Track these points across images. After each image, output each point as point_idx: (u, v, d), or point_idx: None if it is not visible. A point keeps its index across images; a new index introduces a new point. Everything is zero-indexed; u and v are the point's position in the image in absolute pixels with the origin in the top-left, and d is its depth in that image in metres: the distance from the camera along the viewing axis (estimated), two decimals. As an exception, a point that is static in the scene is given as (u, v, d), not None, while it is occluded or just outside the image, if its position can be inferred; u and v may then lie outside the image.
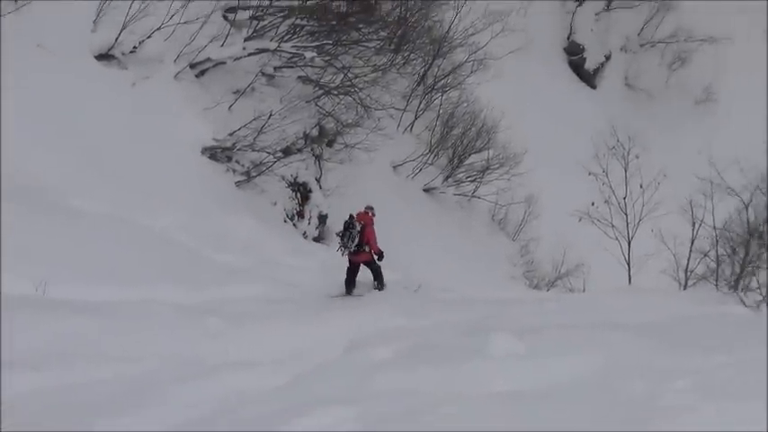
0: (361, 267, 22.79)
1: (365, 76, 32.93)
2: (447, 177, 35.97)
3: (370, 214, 23.16)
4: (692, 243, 30.68)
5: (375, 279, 22.82)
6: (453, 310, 17.91)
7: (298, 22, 29.60)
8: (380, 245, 23.11)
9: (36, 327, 11.78)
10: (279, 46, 28.80)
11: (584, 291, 31.02)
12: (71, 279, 15.16)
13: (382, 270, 23.00)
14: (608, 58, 50.76)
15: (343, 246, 22.28)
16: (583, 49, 50.65)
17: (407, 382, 9.84)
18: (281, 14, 29.33)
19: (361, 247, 22.37)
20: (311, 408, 8.68)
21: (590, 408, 8.70)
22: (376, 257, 22.75)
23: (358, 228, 22.40)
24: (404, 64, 36.63)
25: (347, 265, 22.52)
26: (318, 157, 29.71)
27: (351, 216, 22.68)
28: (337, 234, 22.87)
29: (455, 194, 35.91)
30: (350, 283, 22.35)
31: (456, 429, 8.53)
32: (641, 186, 32.13)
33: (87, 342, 11.28)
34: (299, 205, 28.04)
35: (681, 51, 51.03)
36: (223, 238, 22.22)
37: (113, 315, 13.06)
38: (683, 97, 49.69)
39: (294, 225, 27.53)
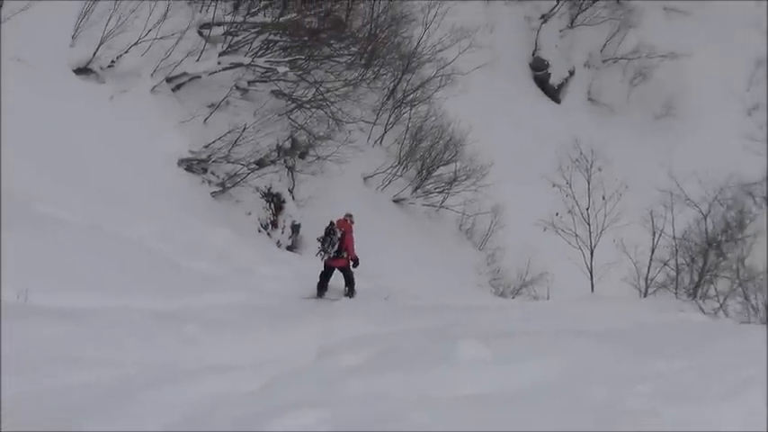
0: (334, 273, 23.08)
1: (336, 90, 33.19)
2: (416, 189, 36.14)
3: (349, 222, 23.73)
4: (653, 252, 31.10)
5: (347, 285, 23.40)
6: (422, 316, 18.06)
7: (271, 37, 29.84)
8: (318, 246, 23.47)
9: (18, 332, 11.75)
10: (252, 61, 28.95)
11: (548, 299, 31.42)
12: (52, 287, 15.12)
13: (350, 273, 23.22)
14: (572, 73, 51.00)
15: (323, 251, 22.91)
16: (547, 65, 50.90)
17: (377, 387, 9.87)
18: (255, 30, 29.55)
19: (339, 253, 22.97)
20: (284, 411, 8.74)
21: (554, 411, 8.75)
22: (352, 264, 23.19)
23: (338, 234, 22.96)
24: (374, 79, 36.81)
25: (322, 269, 22.89)
26: (291, 169, 29.88)
27: (331, 223, 23.34)
28: (318, 239, 23.38)
29: (424, 205, 36.12)
30: (322, 286, 22.94)
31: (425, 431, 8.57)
32: (603, 198, 32.36)
33: (67, 347, 11.30)
34: (273, 215, 28.28)
35: (642, 67, 51.45)
36: (199, 247, 22.34)
37: (93, 322, 13.12)
38: (644, 112, 49.97)
39: (268, 234, 27.79)
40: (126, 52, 25.77)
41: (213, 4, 29.04)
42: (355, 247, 23.50)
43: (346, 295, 23.21)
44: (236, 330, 13.62)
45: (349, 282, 23.34)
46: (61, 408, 9.05)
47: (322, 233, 23.51)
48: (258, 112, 28.75)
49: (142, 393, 9.38)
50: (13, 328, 12.26)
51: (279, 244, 27.70)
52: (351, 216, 24.26)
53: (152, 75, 26.37)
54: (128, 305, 15.16)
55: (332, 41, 33.34)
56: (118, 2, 26.11)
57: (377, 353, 11.71)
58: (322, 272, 23.09)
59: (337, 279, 23.48)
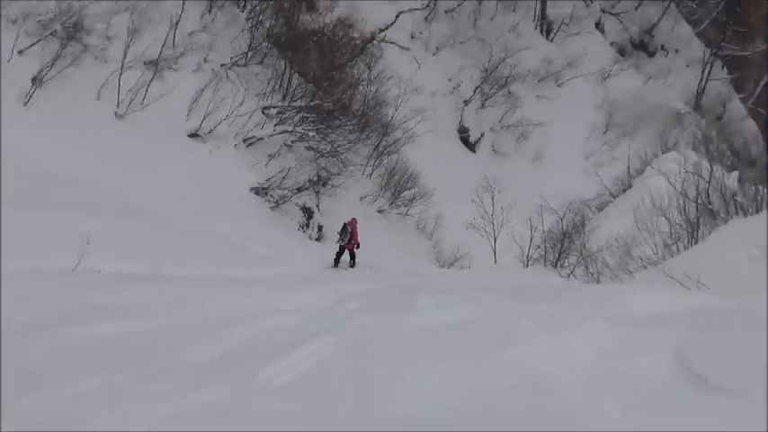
0: (345, 253, 24.52)
1: (344, 145, 33.37)
2: (390, 203, 36.61)
3: (354, 222, 24.99)
4: (531, 240, 31.66)
5: (351, 260, 24.68)
6: (394, 280, 18.51)
7: (305, 115, 30.10)
8: (337, 237, 25.15)
9: (153, 289, 11.66)
10: (294, 129, 29.31)
11: (469, 268, 31.90)
12: (172, 263, 15.10)
13: (356, 256, 24.48)
14: (482, 135, 50.70)
15: (341, 239, 24.46)
16: (468, 130, 50.53)
17: (369, 322, 10.06)
18: (295, 110, 29.72)
19: (349, 241, 24.40)
20: (311, 337, 8.73)
21: (473, 335, 8.73)
22: (356, 246, 24.58)
23: (349, 230, 24.33)
24: (366, 138, 37.17)
25: (337, 250, 24.38)
26: (317, 193, 30.39)
27: (344, 224, 24.62)
28: (338, 233, 24.92)
29: (396, 213, 36.45)
30: (337, 260, 24.34)
31: (398, 347, 8.56)
32: (501, 209, 33.06)
33: (179, 299, 11.21)
34: (306, 220, 28.83)
35: (523, 131, 51.10)
36: (262, 239, 22.62)
37: (197, 284, 13.09)
38: (525, 158, 49.99)
39: (303, 232, 28.19)
40: (219, 124, 25.80)
41: (270, 94, 29.22)
42: (359, 237, 24.54)
43: (351, 267, 24.42)
44: (283, 289, 13.73)
45: (352, 257, 24.75)
46: (167, 336, 8.91)
47: (339, 229, 24.77)
48: (297, 159, 29.29)
49: (222, 328, 9.33)
50: (151, 287, 12.19)
51: (310, 237, 28.37)
52: (355, 219, 25.52)
53: (234, 137, 26.63)
54: (218, 274, 15.25)
55: (340, 117, 33.61)
56: (215, 92, 26.05)
57: (368, 301, 12.04)
58: (337, 251, 24.55)
59: (346, 256, 24.41)
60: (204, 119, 25.74)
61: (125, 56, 24.02)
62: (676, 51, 62.95)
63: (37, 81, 21.73)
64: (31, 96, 21.51)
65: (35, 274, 11.67)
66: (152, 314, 9.79)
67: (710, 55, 62.68)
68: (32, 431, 4.65)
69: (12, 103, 20.94)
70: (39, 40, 22.40)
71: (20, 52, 21.73)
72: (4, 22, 21.79)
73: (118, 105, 23.59)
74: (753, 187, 24.73)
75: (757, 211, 22.00)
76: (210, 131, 25.94)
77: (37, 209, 15.37)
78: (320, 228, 29.91)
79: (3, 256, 12.55)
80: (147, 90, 24.33)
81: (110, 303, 10.09)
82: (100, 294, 10.72)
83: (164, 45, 25.56)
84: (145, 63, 24.85)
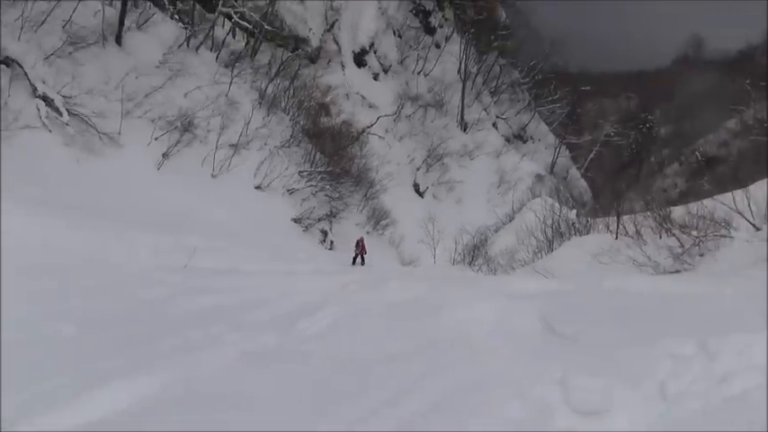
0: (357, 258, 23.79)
1: (346, 194, 32.93)
2: (374, 228, 35.70)
3: (364, 238, 24.40)
4: (455, 250, 30.86)
5: (362, 262, 23.58)
6: (378, 272, 17.96)
7: (323, 176, 29.90)
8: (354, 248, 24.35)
9: (231, 278, 11.54)
10: (317, 184, 29.36)
11: (420, 266, 31.20)
12: (245, 262, 14.86)
13: (366, 259, 23.78)
14: (427, 188, 50.05)
15: (356, 249, 23.52)
16: (419, 185, 49.93)
17: (361, 297, 9.89)
18: (318, 173, 29.52)
19: (361, 250, 23.44)
20: (327, 306, 8.58)
21: (422, 304, 8.69)
22: (365, 253, 23.59)
23: (360, 244, 23.58)
24: (359, 189, 36.77)
25: (354, 255, 23.60)
26: (330, 221, 29.75)
27: (357, 240, 24.13)
28: (354, 246, 24.09)
29: (377, 234, 35.49)
30: (354, 262, 23.28)
31: (377, 312, 8.49)
32: (438, 231, 32.56)
33: (245, 283, 11.06)
34: (324, 238, 28.12)
35: (451, 185, 50.57)
36: (298, 249, 22.20)
37: (258, 274, 12.93)
38: (452, 201, 49.54)
39: (322, 245, 27.54)
40: (273, 181, 25.61)
41: (303, 164, 29.17)
42: (367, 248, 24.01)
43: (362, 265, 23.41)
44: (310, 279, 13.41)
45: (363, 260, 23.57)
46: (239, 305, 8.86)
47: (354, 243, 24.23)
48: (318, 201, 28.78)
49: (273, 300, 9.20)
50: (231, 277, 12.11)
51: (326, 248, 27.60)
52: (363, 237, 24.99)
53: (282, 189, 26.20)
54: (272, 269, 14.98)
55: (344, 177, 33.36)
56: (271, 163, 25.88)
57: (361, 284, 11.70)
58: (354, 257, 23.54)
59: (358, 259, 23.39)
60: (264, 178, 25.50)
61: (218, 140, 24.01)
62: (539, 140, 63.40)
63: (166, 155, 21.66)
64: (162, 165, 21.43)
65: (164, 269, 11.66)
66: (231, 292, 9.70)
67: (559, 142, 63.42)
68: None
69: (151, 169, 20.92)
70: (167, 131, 22.34)
71: (156, 138, 21.67)
72: (148, 121, 21.77)
73: (213, 170, 23.50)
74: (584, 219, 24.85)
75: (588, 233, 22.09)
76: (268, 185, 25.70)
77: (166, 231, 15.28)
78: (332, 242, 29.11)
79: (142, 258, 12.50)
80: (230, 161, 24.22)
81: (206, 286, 10.02)
82: (200, 281, 10.65)
83: (240, 134, 25.48)
84: (230, 145, 24.78)
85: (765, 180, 16.16)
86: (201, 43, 29.12)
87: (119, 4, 23.84)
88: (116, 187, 18.17)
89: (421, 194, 49.25)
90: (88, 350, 5.84)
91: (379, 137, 47.46)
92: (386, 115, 49.61)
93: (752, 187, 15.79)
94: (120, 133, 20.17)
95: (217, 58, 29.93)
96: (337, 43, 50.78)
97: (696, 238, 14.59)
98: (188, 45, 27.50)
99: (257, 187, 25.26)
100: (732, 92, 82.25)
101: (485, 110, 59.34)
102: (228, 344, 6.45)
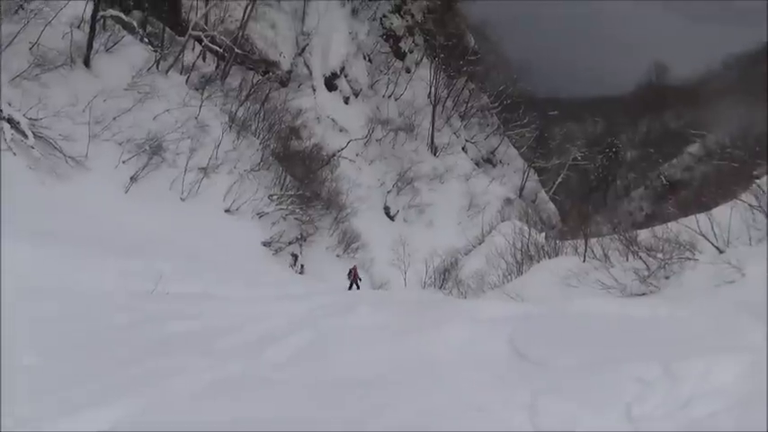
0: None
1: (316, 217, 32.82)
2: (344, 251, 35.68)
3: (356, 267, 25.06)
4: (426, 273, 31.00)
5: (357, 287, 24.51)
6: (346, 296, 17.72)
7: (294, 199, 29.68)
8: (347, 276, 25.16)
9: (200, 302, 11.34)
10: (287, 207, 29.02)
11: (390, 289, 31.28)
12: (215, 286, 14.56)
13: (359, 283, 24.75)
14: (398, 211, 50.03)
15: (348, 276, 24.37)
16: (389, 208, 50.02)
17: (330, 322, 9.74)
18: (288, 197, 29.39)
19: (355, 277, 24.24)
20: (292, 333, 8.48)
21: (392, 329, 8.64)
22: (359, 279, 24.66)
23: (352, 271, 24.49)
24: (329, 213, 36.68)
25: (349, 281, 24.36)
26: (300, 245, 29.61)
27: (350, 269, 25.08)
28: (347, 274, 24.91)
29: (349, 257, 35.44)
30: (350, 288, 23.89)
31: (347, 337, 8.41)
32: (409, 254, 32.61)
33: (215, 308, 10.87)
34: (294, 262, 27.95)
35: (422, 208, 50.69)
36: (268, 272, 21.97)
37: (228, 299, 12.69)
38: (423, 224, 49.86)
39: (293, 268, 27.35)
40: (242, 204, 25.48)
41: (273, 187, 29.02)
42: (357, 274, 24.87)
43: (357, 289, 24.49)
44: (280, 304, 13.22)
45: (357, 286, 24.38)
46: (207, 332, 8.74)
47: (347, 272, 25.08)
48: (289, 225, 28.58)
49: (243, 326, 9.06)
50: (200, 301, 11.92)
51: (296, 272, 27.45)
52: (356, 266, 25.72)
53: (252, 212, 26.06)
54: (243, 293, 14.71)
55: (314, 201, 33.30)
56: (240, 186, 25.74)
57: (331, 309, 11.53)
58: (349, 284, 24.12)
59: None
60: (234, 201, 25.35)
61: (187, 163, 23.85)
62: (508, 164, 64.07)
63: (134, 179, 21.45)
64: (129, 188, 21.20)
65: (131, 294, 11.44)
66: (199, 318, 9.57)
67: (528, 166, 64.18)
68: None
69: (119, 192, 20.66)
70: (135, 154, 22.15)
71: (124, 162, 21.46)
72: (116, 144, 21.55)
73: (182, 193, 23.31)
74: (553, 242, 25.11)
75: (556, 256, 22.30)
76: (238, 209, 25.55)
77: (133, 255, 15.05)
78: (302, 266, 29.06)
79: (109, 283, 12.26)
80: (200, 184, 24.08)
81: (174, 311, 9.85)
82: (168, 306, 10.47)
83: (210, 158, 25.37)
84: (199, 168, 24.62)
85: (728, 204, 16.48)
86: (171, 66, 29.05)
87: (88, 27, 23.74)
88: (82, 211, 17.91)
89: (391, 218, 49.31)
90: (51, 380, 5.69)
91: (350, 160, 47.59)
92: (356, 139, 49.90)
93: (715, 211, 16.14)
94: (86, 156, 19.96)
95: (187, 80, 29.87)
96: (308, 67, 51.06)
97: (662, 260, 14.85)
98: (158, 68, 27.42)
99: (227, 211, 25.10)
100: (693, 117, 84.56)
101: (455, 134, 60.04)
102: (196, 372, 6.35)
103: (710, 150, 71.65)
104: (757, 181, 16.10)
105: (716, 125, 74.24)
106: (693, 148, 79.86)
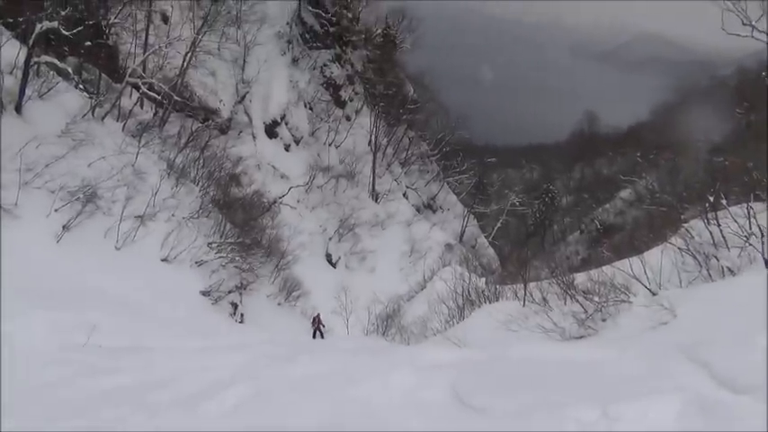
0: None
1: (256, 265, 32.34)
2: (285, 299, 34.99)
3: (319, 315, 26.58)
4: (368, 320, 30.81)
5: (321, 334, 25.71)
6: (288, 346, 17.46)
7: (233, 247, 29.11)
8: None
9: (134, 356, 11.02)
10: (226, 255, 28.12)
11: (332, 337, 30.96)
12: (150, 338, 14.19)
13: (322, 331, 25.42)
14: (340, 258, 49.98)
15: (312, 324, 25.97)
16: (331, 255, 49.94)
17: (270, 372, 9.52)
18: (228, 245, 28.77)
19: (318, 325, 25.61)
20: (229, 385, 8.26)
21: (332, 378, 8.54)
22: (323, 326, 25.75)
23: (316, 319, 26.09)
24: (270, 261, 36.22)
25: (312, 330, 25.72)
26: (240, 293, 29.01)
27: (313, 317, 26.80)
28: (311, 322, 26.39)
29: (288, 305, 34.91)
30: (314, 336, 25.08)
31: (287, 386, 8.26)
32: (351, 301, 32.46)
33: (148, 362, 10.53)
34: (234, 311, 27.31)
35: (364, 255, 50.95)
36: (207, 322, 21.48)
37: (163, 351, 12.31)
38: (365, 270, 49.85)
39: (233, 317, 26.73)
40: (180, 253, 24.88)
41: (213, 235, 28.33)
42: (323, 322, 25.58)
43: (322, 337, 25.56)
44: (218, 354, 12.87)
45: (321, 334, 25.36)
46: (140, 386, 8.50)
47: (311, 320, 26.88)
48: (228, 273, 27.87)
49: (177, 379, 8.80)
50: (133, 355, 11.56)
51: (236, 321, 26.76)
52: (319, 314, 27.26)
53: (190, 260, 25.44)
54: (179, 345, 14.32)
55: (255, 248, 32.82)
56: (179, 234, 25.22)
57: (271, 359, 11.18)
58: (313, 332, 25.42)
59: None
60: (171, 249, 24.77)
61: (123, 211, 23.31)
62: (448, 209, 65.01)
63: (66, 227, 20.85)
64: (61, 237, 20.59)
65: (62, 347, 11.04)
66: (134, 371, 9.28)
67: (467, 211, 65.31)
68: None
69: (50, 241, 20.06)
70: (68, 202, 21.58)
71: (56, 210, 20.89)
72: (48, 192, 21.01)
73: (117, 242, 22.72)
74: (493, 286, 25.45)
75: (497, 300, 22.57)
76: (175, 257, 24.97)
77: (65, 307, 14.56)
78: (242, 315, 28.23)
79: (38, 336, 11.80)
80: (136, 233, 23.52)
81: (107, 365, 9.55)
82: (101, 360, 10.13)
83: (147, 205, 24.87)
84: (135, 216, 24.09)
85: (659, 247, 17.10)
86: (108, 113, 28.60)
87: (20, 73, 23.25)
88: (11, 261, 17.26)
89: (333, 264, 49.10)
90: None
91: (291, 207, 47.45)
92: (297, 186, 49.87)
93: (647, 254, 16.70)
94: (16, 204, 19.34)
95: (123, 127, 29.42)
96: (248, 115, 51.11)
97: (598, 303, 15.21)
98: (93, 114, 26.94)
99: (164, 259, 24.47)
100: (624, 164, 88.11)
101: (395, 180, 60.78)
102: (131, 427, 6.17)
103: (641, 195, 74.59)
104: (685, 225, 16.82)
105: (645, 171, 77.57)
106: (625, 194, 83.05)
